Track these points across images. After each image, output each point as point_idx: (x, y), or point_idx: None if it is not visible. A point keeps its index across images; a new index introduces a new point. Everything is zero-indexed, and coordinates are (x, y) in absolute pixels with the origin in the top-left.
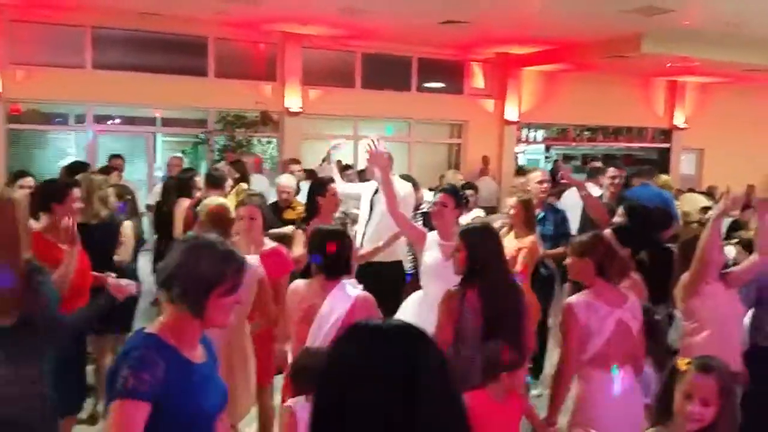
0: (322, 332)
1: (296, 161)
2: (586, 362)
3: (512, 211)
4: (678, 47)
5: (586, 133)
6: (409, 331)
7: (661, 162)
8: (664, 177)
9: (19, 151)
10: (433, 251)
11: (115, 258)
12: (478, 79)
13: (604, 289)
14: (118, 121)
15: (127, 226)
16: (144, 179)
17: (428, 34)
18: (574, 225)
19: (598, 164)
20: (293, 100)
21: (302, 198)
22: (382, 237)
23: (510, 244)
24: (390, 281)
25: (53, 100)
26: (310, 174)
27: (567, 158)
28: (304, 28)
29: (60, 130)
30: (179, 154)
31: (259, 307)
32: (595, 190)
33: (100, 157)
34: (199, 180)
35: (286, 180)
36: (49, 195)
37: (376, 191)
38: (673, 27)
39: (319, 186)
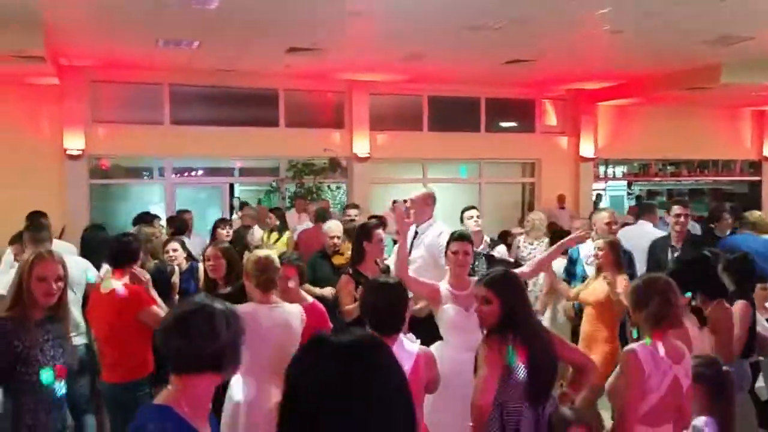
0: None
1: (355, 206)
2: (645, 414)
3: (600, 253)
4: (760, 75)
5: (669, 167)
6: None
7: (752, 196)
8: (756, 213)
9: (103, 204)
10: (450, 303)
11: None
12: (550, 117)
13: (667, 341)
14: (200, 172)
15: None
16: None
17: (494, 75)
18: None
19: (652, 201)
20: (361, 145)
21: None
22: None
23: (599, 286)
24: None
25: (134, 155)
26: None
27: (651, 194)
28: (370, 75)
29: (141, 183)
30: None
31: None
32: (647, 228)
33: (179, 207)
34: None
35: (334, 226)
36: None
37: (415, 235)
38: (753, 55)
39: (366, 231)
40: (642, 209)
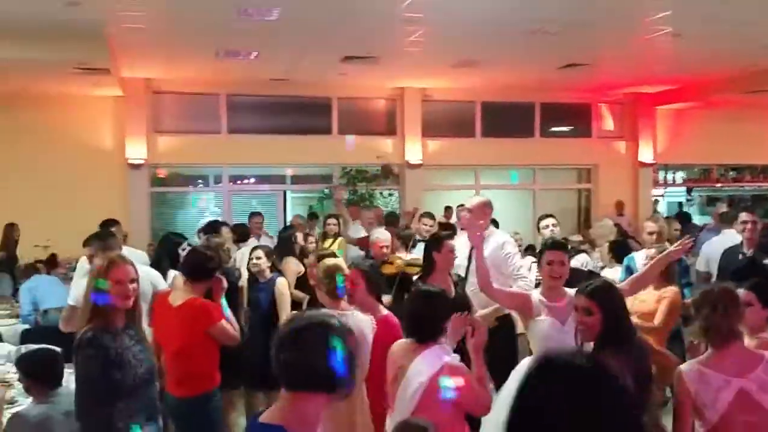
0: (406, 396)
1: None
2: None
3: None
4: None
5: (731, 173)
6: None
7: None
8: None
9: (163, 210)
10: (544, 315)
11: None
12: (607, 121)
13: (725, 354)
14: (252, 180)
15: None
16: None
17: (549, 79)
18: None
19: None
20: (413, 152)
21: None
22: None
23: (649, 297)
24: (500, 337)
25: (192, 164)
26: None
27: (712, 200)
28: (423, 81)
29: (198, 191)
30: (301, 214)
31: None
32: (731, 236)
33: (235, 214)
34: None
35: (382, 235)
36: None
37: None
38: None
39: (435, 242)
40: (723, 218)
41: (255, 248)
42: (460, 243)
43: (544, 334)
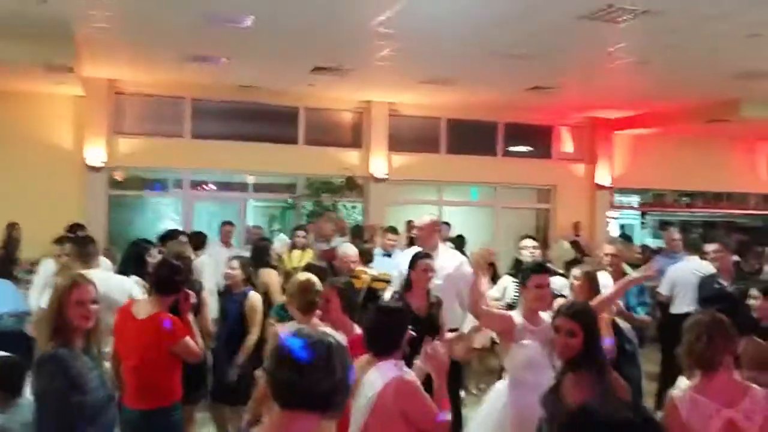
0: (359, 408)
1: (394, 230)
2: None
3: (576, 283)
4: None
5: (684, 198)
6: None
7: (766, 229)
8: None
9: (120, 215)
10: (528, 340)
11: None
12: (567, 143)
13: (714, 382)
14: (212, 186)
15: (254, 296)
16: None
17: (514, 100)
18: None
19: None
20: (378, 166)
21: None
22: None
23: None
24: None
25: (153, 168)
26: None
27: (664, 225)
28: (390, 96)
29: (158, 195)
30: (258, 225)
31: None
32: (695, 263)
33: (195, 220)
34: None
35: (349, 249)
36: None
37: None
38: None
39: (412, 260)
40: (689, 244)
41: (232, 258)
42: (406, 258)
43: (529, 360)
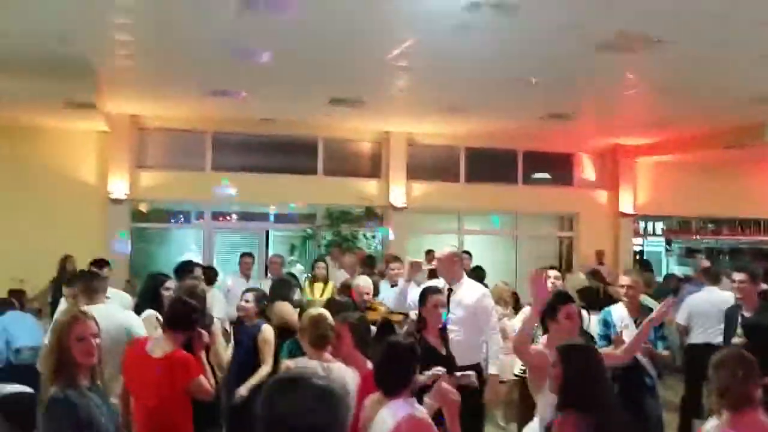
0: None
1: (397, 258)
2: None
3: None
4: None
5: (710, 225)
6: None
7: None
8: None
9: (144, 246)
10: None
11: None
12: (588, 170)
13: (747, 419)
14: (234, 218)
15: (266, 330)
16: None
17: (532, 128)
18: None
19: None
20: (397, 195)
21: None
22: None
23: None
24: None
25: (174, 200)
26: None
27: (690, 252)
28: (408, 126)
29: (180, 227)
30: (279, 253)
31: None
32: (716, 293)
33: (217, 252)
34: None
35: (363, 282)
36: None
37: (449, 293)
38: None
39: (420, 296)
40: (708, 275)
41: (247, 290)
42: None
43: None
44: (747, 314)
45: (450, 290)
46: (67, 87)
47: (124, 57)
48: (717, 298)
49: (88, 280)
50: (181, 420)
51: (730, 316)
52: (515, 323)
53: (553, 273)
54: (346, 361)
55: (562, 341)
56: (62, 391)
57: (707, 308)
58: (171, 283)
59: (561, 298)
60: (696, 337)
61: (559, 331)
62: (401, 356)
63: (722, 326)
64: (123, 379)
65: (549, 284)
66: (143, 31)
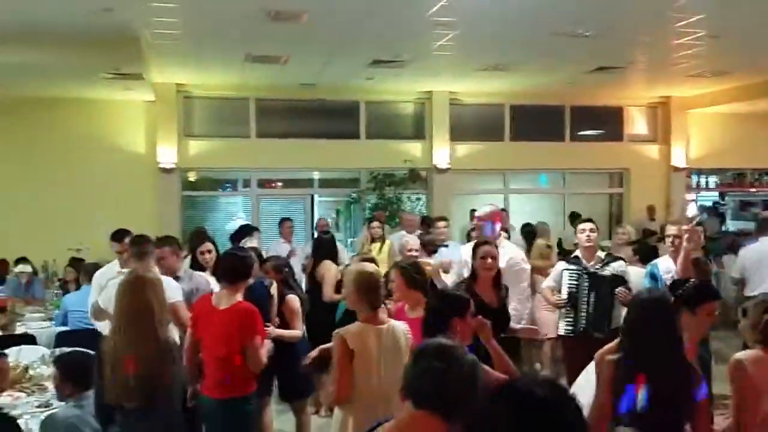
0: None
1: (443, 218)
2: (757, 425)
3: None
4: None
5: (766, 177)
6: None
7: None
8: None
9: (194, 213)
10: None
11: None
12: (638, 124)
13: None
14: (279, 184)
15: (292, 300)
16: (302, 239)
17: (580, 82)
18: None
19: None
20: (441, 156)
21: None
22: None
23: None
24: None
25: (221, 168)
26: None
27: (745, 204)
28: (450, 85)
29: (227, 195)
30: (326, 218)
31: None
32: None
33: (262, 218)
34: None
35: (411, 239)
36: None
37: None
38: None
39: (473, 249)
40: (761, 225)
41: (265, 260)
42: (467, 251)
43: None
44: None
45: None
46: (112, 57)
47: (167, 25)
48: None
49: (136, 245)
50: (246, 370)
51: None
52: (548, 282)
53: (588, 225)
54: (408, 303)
55: (694, 336)
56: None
57: (759, 258)
58: (207, 246)
59: (709, 293)
60: (749, 290)
61: (693, 325)
62: (445, 304)
63: None
64: (190, 332)
65: (584, 237)
66: None
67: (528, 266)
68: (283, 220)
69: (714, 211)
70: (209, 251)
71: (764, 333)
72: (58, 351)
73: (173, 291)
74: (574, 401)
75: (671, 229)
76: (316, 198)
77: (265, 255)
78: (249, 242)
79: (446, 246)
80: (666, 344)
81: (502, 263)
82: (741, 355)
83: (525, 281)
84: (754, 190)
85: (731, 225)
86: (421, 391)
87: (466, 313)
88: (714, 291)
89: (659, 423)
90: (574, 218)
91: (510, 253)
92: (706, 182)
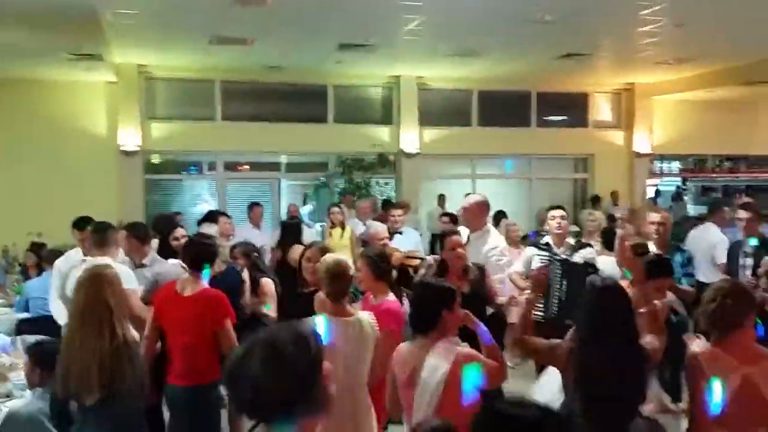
0: (425, 397)
1: (401, 206)
2: (710, 421)
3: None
4: None
5: (726, 163)
6: None
7: None
8: None
9: (156, 197)
10: None
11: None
12: (603, 111)
13: (737, 343)
14: (246, 167)
15: (267, 283)
16: (269, 223)
17: (546, 69)
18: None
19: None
20: (409, 141)
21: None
22: None
23: None
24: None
25: (186, 151)
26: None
27: (706, 190)
28: (419, 70)
29: (192, 178)
30: (295, 203)
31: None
32: (712, 230)
33: (229, 202)
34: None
35: (380, 228)
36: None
37: (467, 242)
38: None
39: (440, 240)
40: (709, 210)
41: (234, 246)
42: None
43: None
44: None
45: (468, 240)
46: (72, 38)
47: (128, 4)
48: (711, 234)
49: (97, 234)
50: (212, 358)
51: (732, 252)
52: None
53: (558, 213)
54: (374, 294)
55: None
56: None
57: (699, 244)
58: (180, 232)
59: (661, 267)
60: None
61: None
62: (434, 295)
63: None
64: (151, 320)
65: (554, 224)
66: None
67: (507, 256)
68: (253, 205)
69: (679, 196)
70: (183, 236)
71: (712, 322)
72: (19, 339)
73: (126, 278)
74: (565, 422)
75: (654, 216)
76: (284, 182)
77: (232, 241)
78: (206, 228)
79: (400, 233)
80: (622, 330)
81: (485, 248)
82: (696, 348)
83: (500, 274)
84: (714, 175)
85: (692, 209)
86: None
87: (454, 304)
88: (668, 266)
89: (612, 408)
90: (500, 218)
91: (493, 244)
92: (669, 168)
